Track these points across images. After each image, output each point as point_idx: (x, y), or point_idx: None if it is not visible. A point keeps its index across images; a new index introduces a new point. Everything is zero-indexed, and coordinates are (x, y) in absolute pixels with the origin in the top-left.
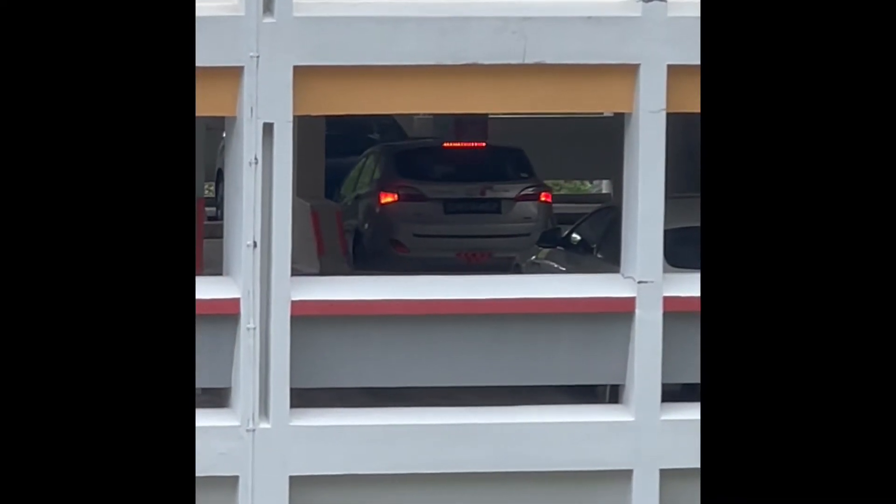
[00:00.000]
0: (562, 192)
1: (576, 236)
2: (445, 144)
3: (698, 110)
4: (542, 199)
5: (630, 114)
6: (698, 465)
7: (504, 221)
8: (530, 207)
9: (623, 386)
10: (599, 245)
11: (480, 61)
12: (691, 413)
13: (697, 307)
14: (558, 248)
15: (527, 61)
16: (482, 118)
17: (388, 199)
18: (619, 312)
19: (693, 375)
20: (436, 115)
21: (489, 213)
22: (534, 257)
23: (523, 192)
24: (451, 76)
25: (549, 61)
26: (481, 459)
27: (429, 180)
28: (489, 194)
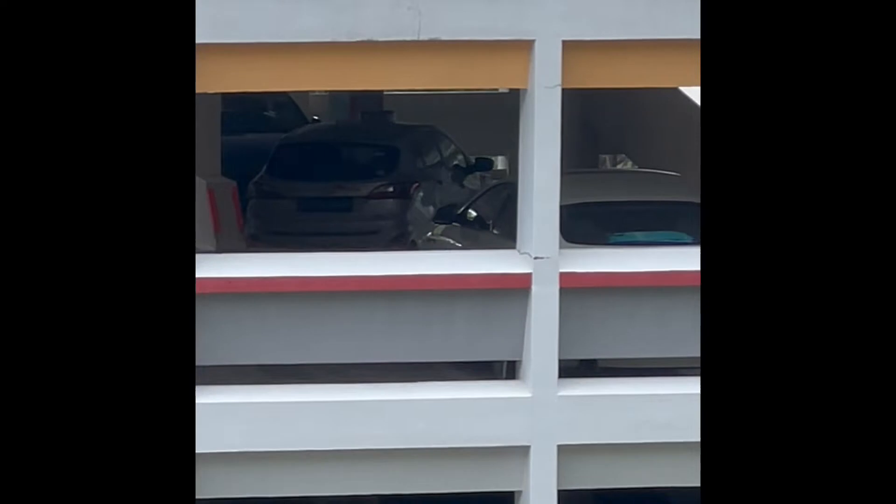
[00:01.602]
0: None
1: (472, 212)
2: (315, 139)
3: (594, 86)
4: (401, 195)
5: (525, 90)
6: (595, 441)
7: (352, 220)
8: (384, 205)
9: (520, 362)
10: (495, 221)
11: (376, 38)
12: (588, 389)
13: (593, 283)
14: (454, 224)
15: (422, 38)
16: (377, 95)
17: (252, 194)
18: (516, 288)
19: (589, 351)
20: (331, 93)
21: (339, 212)
22: (430, 234)
23: (377, 190)
24: (347, 53)
25: (444, 38)
26: (378, 436)
27: (290, 178)
28: (340, 193)
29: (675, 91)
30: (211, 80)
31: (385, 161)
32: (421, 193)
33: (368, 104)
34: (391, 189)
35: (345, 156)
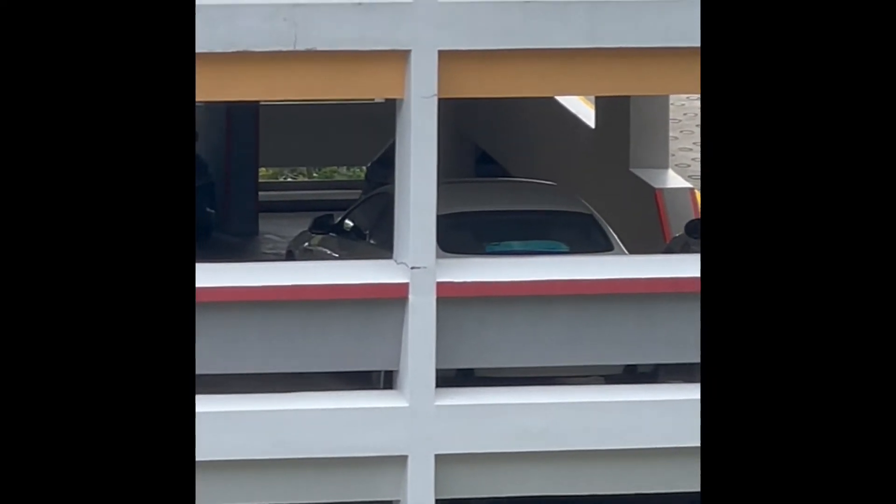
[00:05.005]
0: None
1: (349, 222)
2: None
3: (469, 95)
4: None
5: (402, 100)
6: (472, 451)
7: None
8: None
9: (397, 372)
10: (372, 231)
11: (251, 49)
12: (465, 398)
13: (470, 292)
14: (331, 234)
15: (298, 48)
16: (253, 106)
17: None
18: (393, 298)
19: (466, 360)
20: (208, 104)
21: None
22: (307, 244)
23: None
24: (223, 64)
25: (320, 48)
26: (256, 447)
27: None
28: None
29: (551, 100)
30: None
31: None
32: None
33: (244, 114)
34: None
35: None
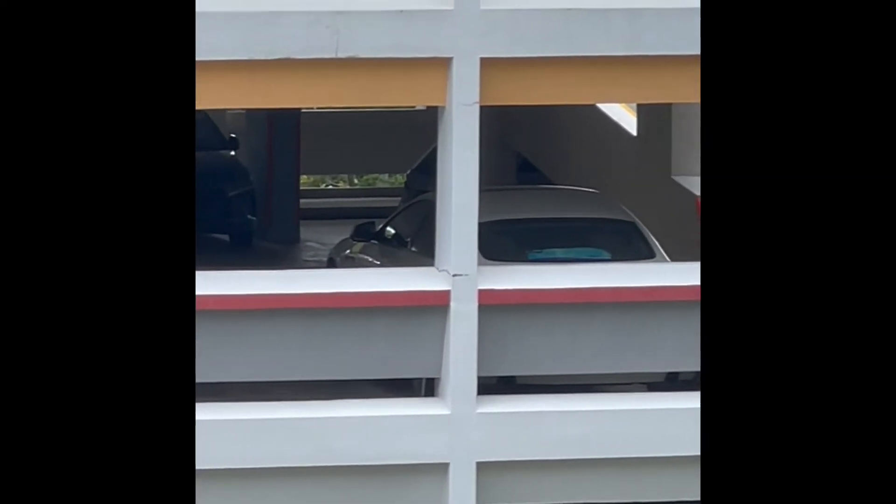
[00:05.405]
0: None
1: (390, 230)
2: None
3: (511, 103)
4: None
5: (443, 107)
6: (514, 458)
7: None
8: None
9: (439, 379)
10: (414, 238)
11: (293, 56)
12: (507, 406)
13: (512, 300)
14: (372, 241)
15: (339, 55)
16: (295, 112)
17: None
18: (434, 306)
19: (507, 368)
20: (248, 110)
21: None
22: (348, 251)
23: None
24: (264, 71)
25: (361, 55)
26: (298, 454)
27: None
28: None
29: (593, 108)
30: None
31: None
32: None
33: (285, 122)
34: None
35: None
